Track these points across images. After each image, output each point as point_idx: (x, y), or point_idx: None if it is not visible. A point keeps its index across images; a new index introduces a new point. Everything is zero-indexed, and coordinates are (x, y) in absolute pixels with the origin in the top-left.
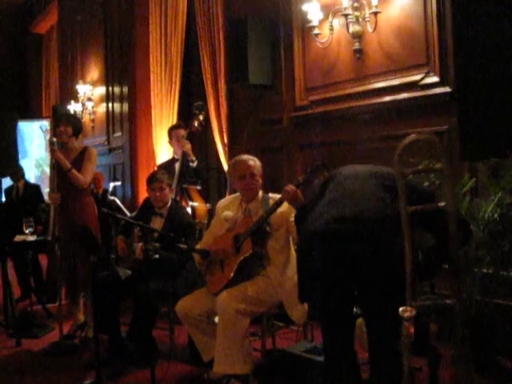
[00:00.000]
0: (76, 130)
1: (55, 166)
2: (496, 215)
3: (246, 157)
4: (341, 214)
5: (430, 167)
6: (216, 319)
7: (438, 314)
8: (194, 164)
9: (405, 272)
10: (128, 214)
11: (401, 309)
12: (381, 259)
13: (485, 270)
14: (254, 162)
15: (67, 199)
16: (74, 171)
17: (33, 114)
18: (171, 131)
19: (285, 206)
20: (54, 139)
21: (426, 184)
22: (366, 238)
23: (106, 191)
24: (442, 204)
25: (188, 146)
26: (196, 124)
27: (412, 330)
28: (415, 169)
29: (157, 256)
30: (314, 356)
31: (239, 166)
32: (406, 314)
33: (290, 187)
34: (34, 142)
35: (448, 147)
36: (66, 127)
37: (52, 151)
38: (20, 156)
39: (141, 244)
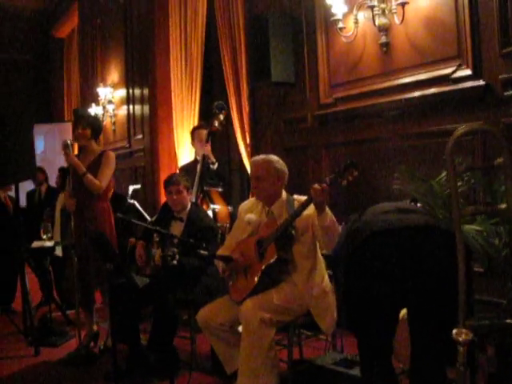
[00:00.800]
0: (95, 132)
1: (70, 170)
2: None
3: (257, 157)
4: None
5: (489, 163)
6: (239, 329)
7: (496, 334)
8: (215, 166)
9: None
10: (148, 218)
11: (454, 331)
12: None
13: None
14: (263, 163)
15: (82, 205)
16: (89, 176)
17: (54, 119)
18: (193, 132)
19: (311, 208)
20: (68, 141)
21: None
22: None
23: (123, 197)
24: (503, 206)
25: (208, 149)
26: (216, 124)
27: (463, 356)
28: (469, 165)
29: (175, 262)
30: (344, 369)
31: (252, 166)
32: (462, 338)
33: (319, 185)
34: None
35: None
36: (84, 130)
37: (66, 155)
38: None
39: (159, 250)
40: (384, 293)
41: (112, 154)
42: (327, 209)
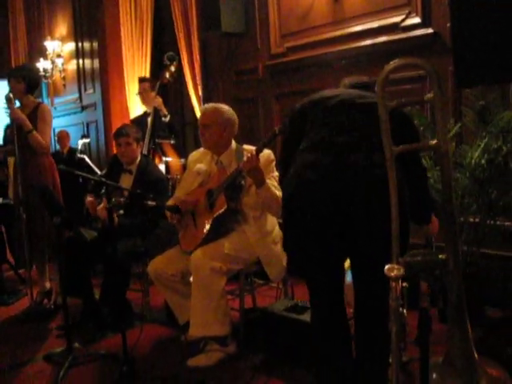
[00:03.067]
0: (30, 86)
1: (14, 125)
2: (483, 161)
3: (206, 105)
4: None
5: (419, 98)
6: (191, 279)
7: (429, 271)
8: (167, 119)
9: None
10: (98, 172)
11: (386, 267)
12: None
13: (471, 219)
14: (210, 111)
15: (25, 160)
16: (35, 133)
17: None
18: (139, 84)
19: (262, 159)
20: (11, 95)
21: None
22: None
23: (73, 150)
24: (434, 142)
25: (159, 100)
26: (167, 75)
27: (399, 290)
28: (400, 101)
29: (121, 211)
30: (295, 314)
31: (202, 115)
32: (393, 273)
33: (251, 156)
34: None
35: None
36: (17, 83)
37: (10, 109)
38: None
39: (104, 202)
40: (320, 239)
41: (47, 108)
42: (267, 183)
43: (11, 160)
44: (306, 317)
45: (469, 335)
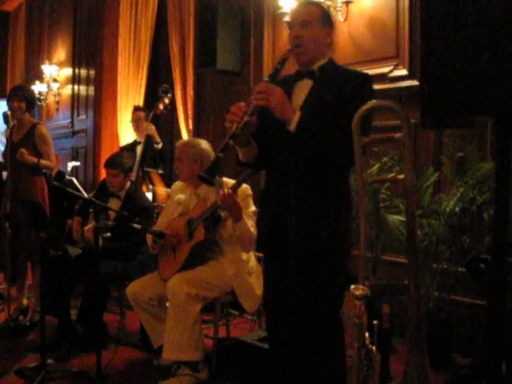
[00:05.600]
0: (30, 105)
1: (7, 142)
2: (457, 209)
3: (182, 141)
4: None
5: (389, 135)
6: (167, 304)
7: (391, 295)
8: (159, 146)
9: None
10: (85, 195)
11: (352, 286)
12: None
13: (444, 266)
14: (183, 145)
15: (18, 176)
16: (42, 162)
17: None
18: (132, 114)
19: (240, 195)
20: (9, 113)
21: (385, 159)
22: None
23: (62, 173)
24: (401, 177)
25: (152, 128)
26: (161, 107)
27: (363, 308)
28: (373, 137)
29: (108, 234)
30: (267, 344)
31: (177, 149)
32: (359, 292)
33: (225, 192)
34: None
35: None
36: (20, 102)
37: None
38: None
39: (92, 223)
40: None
41: (44, 129)
42: (244, 218)
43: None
44: None
45: (426, 359)
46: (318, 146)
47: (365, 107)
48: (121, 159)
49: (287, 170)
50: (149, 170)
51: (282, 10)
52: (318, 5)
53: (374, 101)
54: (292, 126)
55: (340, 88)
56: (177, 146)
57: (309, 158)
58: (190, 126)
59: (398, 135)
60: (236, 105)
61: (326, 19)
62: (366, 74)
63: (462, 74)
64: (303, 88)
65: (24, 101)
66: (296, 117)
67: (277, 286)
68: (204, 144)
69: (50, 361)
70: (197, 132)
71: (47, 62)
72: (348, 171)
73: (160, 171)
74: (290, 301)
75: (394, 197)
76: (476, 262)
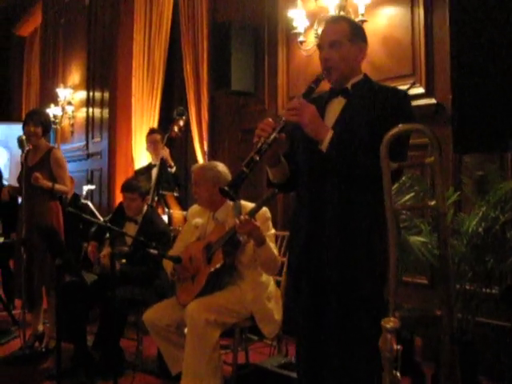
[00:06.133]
0: (46, 130)
1: (23, 166)
2: (481, 229)
3: (197, 164)
4: None
5: (419, 161)
6: (186, 330)
7: (423, 327)
8: (173, 170)
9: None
10: (101, 219)
11: (384, 320)
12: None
13: (467, 287)
14: (199, 169)
15: (33, 201)
16: (57, 186)
17: (13, 117)
18: (147, 137)
19: (260, 219)
20: (24, 137)
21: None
22: None
23: (77, 196)
24: (433, 203)
25: (166, 153)
26: (176, 129)
27: (395, 343)
28: (403, 163)
29: (123, 261)
30: (288, 371)
31: (194, 173)
32: (389, 325)
33: (243, 218)
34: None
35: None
36: (36, 127)
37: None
38: None
39: (107, 249)
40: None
41: (60, 153)
42: (267, 243)
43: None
44: None
45: None
46: (351, 166)
47: (393, 131)
48: (137, 183)
49: (319, 192)
50: (164, 192)
51: (296, 30)
52: (347, 20)
53: (402, 125)
54: (324, 146)
55: (376, 106)
56: (193, 170)
57: (341, 179)
58: (205, 148)
59: (428, 160)
60: (265, 120)
61: (356, 35)
62: (405, 91)
63: (496, 97)
64: (336, 106)
65: (40, 126)
66: (328, 136)
67: (309, 312)
68: (221, 167)
69: None
70: (212, 154)
71: (62, 85)
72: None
73: (175, 194)
74: (326, 327)
75: (415, 217)
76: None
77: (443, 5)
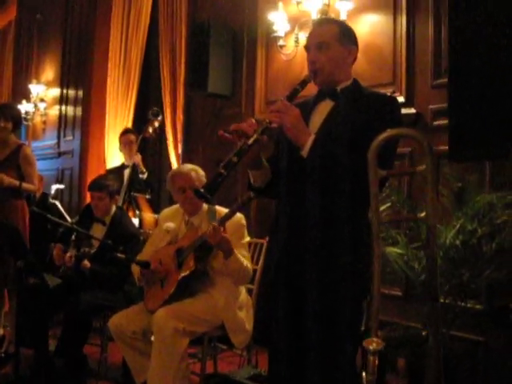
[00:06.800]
0: (16, 125)
1: None
2: (458, 242)
3: (186, 168)
4: None
5: (410, 169)
6: (152, 338)
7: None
8: (144, 176)
9: None
10: (69, 219)
11: (365, 340)
12: None
13: (442, 300)
14: (196, 173)
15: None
16: (25, 185)
17: None
18: (121, 137)
19: (233, 226)
20: None
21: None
22: None
23: (45, 195)
24: (422, 215)
25: (138, 158)
26: (150, 130)
27: (376, 364)
28: (392, 171)
29: (87, 262)
30: None
31: (179, 177)
32: (372, 346)
33: (213, 231)
34: None
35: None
36: (6, 122)
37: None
38: None
39: (71, 251)
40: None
41: (29, 150)
42: (235, 253)
43: None
44: None
45: None
46: (332, 174)
47: (383, 136)
48: (106, 181)
49: (298, 199)
50: (136, 194)
51: (275, 34)
52: (337, 22)
53: (392, 130)
54: (305, 151)
55: (364, 111)
56: (175, 174)
57: (322, 187)
58: (179, 151)
59: (419, 168)
60: (247, 121)
61: (345, 36)
62: (394, 97)
63: (494, 103)
64: (323, 109)
65: (11, 121)
66: (310, 141)
67: (286, 321)
68: (200, 170)
69: None
70: (186, 157)
71: (35, 81)
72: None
73: (148, 196)
74: (304, 334)
75: (391, 228)
76: (505, 312)
77: (426, 14)
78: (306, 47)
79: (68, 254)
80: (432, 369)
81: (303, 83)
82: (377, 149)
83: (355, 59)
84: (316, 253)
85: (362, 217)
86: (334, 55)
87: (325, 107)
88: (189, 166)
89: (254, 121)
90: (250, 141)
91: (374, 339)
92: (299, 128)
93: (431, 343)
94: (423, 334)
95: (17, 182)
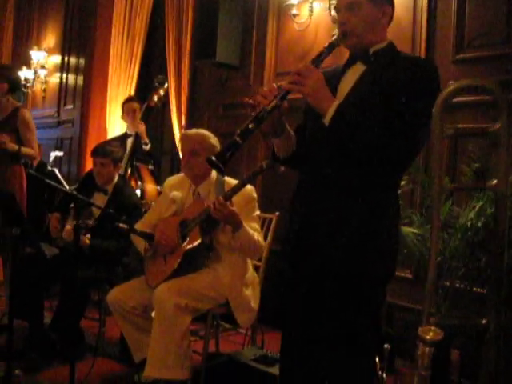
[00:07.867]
0: (12, 87)
1: None
2: (480, 223)
3: (190, 131)
4: None
5: (482, 127)
6: (153, 314)
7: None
8: (147, 147)
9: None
10: (67, 187)
11: (420, 329)
12: None
13: (457, 285)
14: (202, 138)
15: None
16: (23, 150)
17: None
18: (124, 105)
19: (242, 197)
20: None
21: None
22: None
23: (43, 163)
24: (494, 182)
25: (142, 128)
26: (156, 99)
27: (429, 358)
28: (460, 128)
29: (88, 236)
30: (264, 366)
31: (185, 140)
32: (429, 336)
33: (218, 204)
34: None
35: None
36: (1, 83)
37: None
38: None
39: (71, 222)
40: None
41: (28, 113)
42: (244, 227)
43: None
44: (276, 370)
45: None
46: (357, 145)
47: (452, 87)
48: (111, 147)
49: (319, 171)
50: (138, 164)
51: (288, 2)
52: None
53: (463, 80)
54: (327, 119)
55: (398, 75)
56: (186, 137)
57: (345, 158)
58: (183, 122)
59: (493, 127)
60: (268, 86)
61: None
62: (432, 62)
63: None
64: (354, 74)
65: (6, 82)
66: (332, 108)
67: (303, 302)
68: (213, 136)
69: (17, 371)
70: (190, 128)
71: (35, 47)
72: (399, 175)
73: (150, 167)
74: (319, 319)
75: (406, 207)
76: None
77: None
78: (336, 8)
79: (66, 228)
80: (491, 360)
81: (331, 46)
82: (443, 103)
83: (391, 20)
84: (337, 226)
85: (391, 192)
86: (367, 15)
87: (355, 72)
88: (196, 130)
89: (275, 85)
90: (269, 107)
91: (432, 328)
92: (321, 93)
93: (491, 333)
94: (483, 322)
95: (16, 146)
